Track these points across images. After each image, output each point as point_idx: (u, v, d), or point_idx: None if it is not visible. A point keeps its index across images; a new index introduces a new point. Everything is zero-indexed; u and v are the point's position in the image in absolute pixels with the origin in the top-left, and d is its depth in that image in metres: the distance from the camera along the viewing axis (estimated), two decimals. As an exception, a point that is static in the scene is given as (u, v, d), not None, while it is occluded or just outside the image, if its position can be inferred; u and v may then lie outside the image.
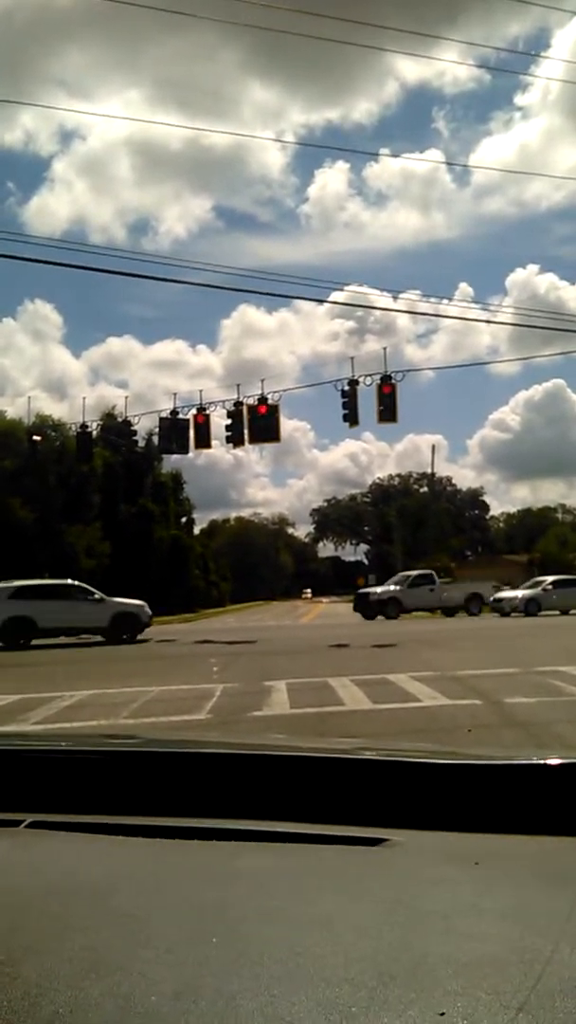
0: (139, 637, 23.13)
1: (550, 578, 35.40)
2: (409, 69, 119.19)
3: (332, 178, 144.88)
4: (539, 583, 34.75)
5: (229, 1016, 0.66)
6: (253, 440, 24.85)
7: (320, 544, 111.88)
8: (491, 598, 34.71)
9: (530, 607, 32.11)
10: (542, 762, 1.21)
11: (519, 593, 34.13)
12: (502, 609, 33.03)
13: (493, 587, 36.21)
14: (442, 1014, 0.65)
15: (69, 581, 24.51)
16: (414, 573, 37.23)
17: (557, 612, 32.27)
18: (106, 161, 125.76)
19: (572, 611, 32.42)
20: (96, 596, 23.25)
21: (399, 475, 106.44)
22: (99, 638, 22.81)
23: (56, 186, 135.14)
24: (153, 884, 0.97)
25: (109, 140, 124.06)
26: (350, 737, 7.13)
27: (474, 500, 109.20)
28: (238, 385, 25.54)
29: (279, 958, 0.75)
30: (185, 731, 7.87)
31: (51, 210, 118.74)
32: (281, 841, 1.10)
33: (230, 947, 0.78)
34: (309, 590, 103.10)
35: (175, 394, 26.48)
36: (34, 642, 21.81)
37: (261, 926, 0.83)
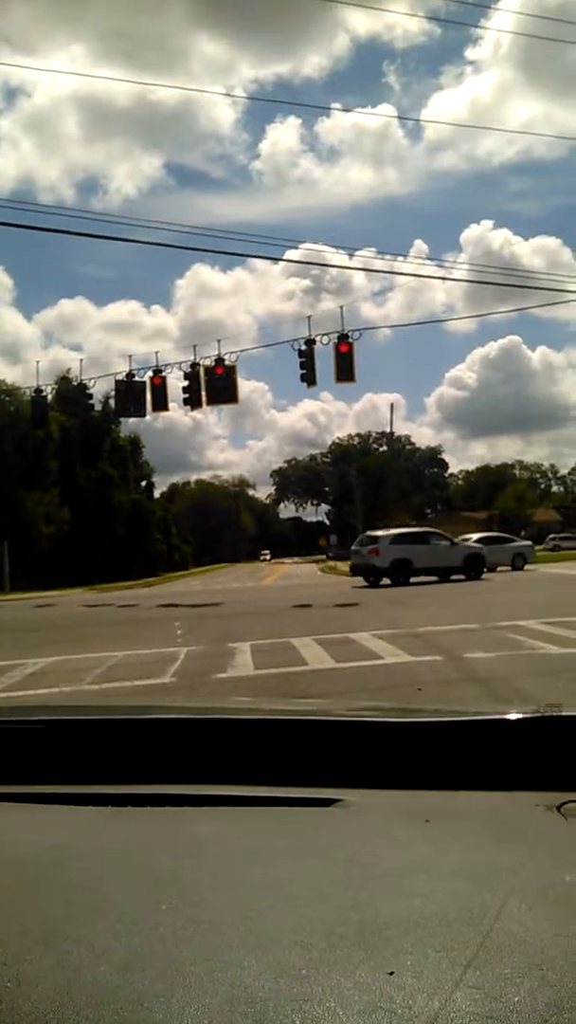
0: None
1: (475, 535, 34.27)
2: (359, 22, 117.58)
3: (284, 134, 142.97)
4: (465, 541, 33.19)
5: (178, 983, 0.65)
6: (211, 402, 24.68)
7: (281, 505, 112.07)
8: None
9: None
10: (495, 718, 1.22)
11: None
12: None
13: None
14: (391, 973, 0.65)
15: (430, 528, 30.04)
16: None
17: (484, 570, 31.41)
18: (53, 118, 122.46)
19: (499, 568, 31.42)
20: (451, 541, 27.48)
21: (358, 435, 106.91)
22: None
23: (2, 145, 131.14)
24: (104, 852, 0.97)
25: (55, 96, 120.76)
26: (313, 697, 7.20)
27: (433, 458, 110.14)
28: (194, 346, 25.05)
29: (230, 922, 0.75)
30: (149, 695, 7.89)
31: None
32: (234, 805, 1.10)
33: (180, 913, 0.77)
34: (268, 552, 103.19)
35: (131, 356, 26.07)
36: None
37: (212, 891, 0.83)
